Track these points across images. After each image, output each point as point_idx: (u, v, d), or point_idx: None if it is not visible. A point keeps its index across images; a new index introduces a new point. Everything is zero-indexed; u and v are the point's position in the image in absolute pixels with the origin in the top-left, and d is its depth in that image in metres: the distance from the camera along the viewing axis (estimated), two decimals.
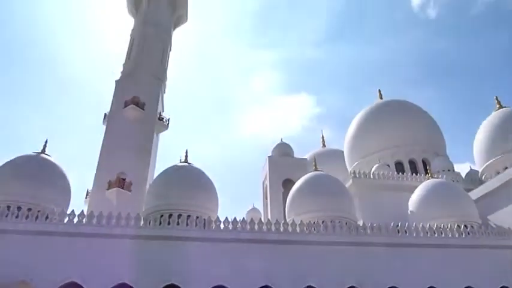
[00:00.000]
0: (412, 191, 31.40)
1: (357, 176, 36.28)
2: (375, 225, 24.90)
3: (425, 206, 29.22)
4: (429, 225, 25.61)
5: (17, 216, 21.68)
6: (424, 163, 42.35)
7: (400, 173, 38.41)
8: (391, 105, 48.09)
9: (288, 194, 31.82)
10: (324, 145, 60.56)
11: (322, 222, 25.25)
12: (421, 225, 25.53)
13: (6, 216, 21.60)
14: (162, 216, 24.22)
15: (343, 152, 49.54)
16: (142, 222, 22.99)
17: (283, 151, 46.50)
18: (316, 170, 32.10)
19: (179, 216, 24.12)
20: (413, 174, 38.40)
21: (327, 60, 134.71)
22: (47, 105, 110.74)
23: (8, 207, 22.90)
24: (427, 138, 44.77)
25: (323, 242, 23.62)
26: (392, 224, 25.17)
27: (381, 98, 51.44)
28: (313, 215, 27.10)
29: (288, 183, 39.12)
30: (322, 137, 62.07)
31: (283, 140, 48.42)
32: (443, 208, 28.24)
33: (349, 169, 44.01)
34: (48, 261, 20.51)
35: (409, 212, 30.21)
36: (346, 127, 49.89)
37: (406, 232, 25.10)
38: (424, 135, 44.75)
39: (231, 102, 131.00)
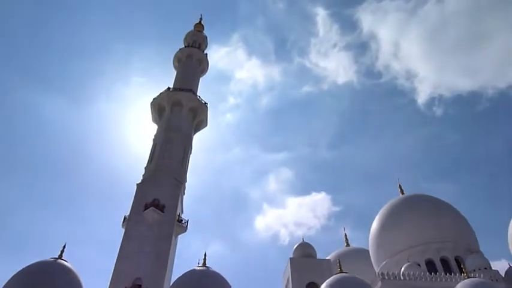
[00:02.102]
0: None
1: (386, 277, 33.90)
2: None
3: None
4: None
5: None
6: (457, 261, 39.59)
7: (433, 273, 35.79)
8: (415, 200, 46.89)
9: None
10: (347, 244, 58.09)
11: None
12: None
13: None
14: None
15: (368, 251, 47.18)
16: None
17: (305, 252, 44.52)
18: (341, 271, 30.24)
19: None
20: (447, 273, 35.71)
21: (340, 160, 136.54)
22: (68, 209, 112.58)
23: None
24: (457, 234, 42.56)
25: None
26: None
27: (402, 193, 50.51)
28: None
29: (312, 287, 36.70)
30: (345, 236, 59.87)
31: (305, 240, 46.72)
32: None
33: (377, 269, 41.40)
34: None
35: None
36: (366, 225, 48.59)
37: None
38: (454, 231, 42.64)
39: (247, 203, 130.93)
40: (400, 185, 51.71)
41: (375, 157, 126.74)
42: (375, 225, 46.83)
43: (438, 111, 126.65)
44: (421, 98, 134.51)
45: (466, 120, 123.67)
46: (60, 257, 28.48)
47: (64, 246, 29.38)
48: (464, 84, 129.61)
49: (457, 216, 45.21)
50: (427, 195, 48.30)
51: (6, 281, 25.80)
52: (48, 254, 28.56)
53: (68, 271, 27.38)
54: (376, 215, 48.23)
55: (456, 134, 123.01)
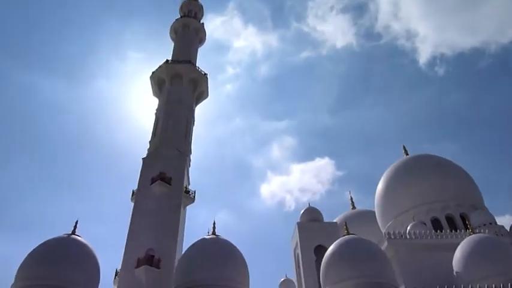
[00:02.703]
0: (453, 249, 29.41)
1: (392, 236, 34.55)
2: None
3: (473, 265, 27.08)
4: (479, 287, 23.56)
5: None
6: (463, 218, 40.17)
7: (438, 231, 36.38)
8: (420, 160, 47.06)
9: (321, 261, 30.38)
10: (353, 207, 58.91)
11: None
12: (470, 287, 23.50)
13: None
14: None
15: (374, 212, 47.88)
16: None
17: (311, 216, 45.28)
18: (348, 233, 30.81)
19: None
20: (452, 230, 36.29)
21: (342, 124, 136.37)
22: (77, 187, 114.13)
23: None
24: (462, 192, 42.94)
25: None
26: None
27: (407, 154, 50.63)
28: (351, 282, 25.51)
29: (320, 250, 37.53)
30: (351, 199, 60.69)
31: (311, 205, 47.40)
32: (493, 266, 26.11)
33: (383, 230, 42.12)
34: None
35: (454, 273, 28.04)
36: (371, 188, 48.96)
37: None
38: (459, 189, 42.99)
39: (251, 172, 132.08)
40: (404, 146, 51.80)
41: (378, 120, 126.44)
42: (380, 186, 47.27)
43: (440, 70, 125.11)
44: (423, 57, 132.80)
45: (469, 78, 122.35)
46: (74, 232, 29.12)
47: (76, 222, 29.98)
48: (466, 41, 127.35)
49: (461, 173, 45.46)
50: (431, 154, 48.45)
51: (24, 257, 26.59)
52: (61, 232, 29.28)
53: (82, 246, 28.07)
54: (380, 177, 48.60)
55: (459, 93, 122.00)
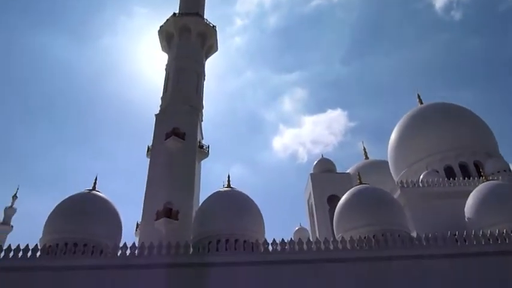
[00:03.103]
0: (465, 196, 29.74)
1: (405, 185, 34.95)
2: (430, 235, 23.68)
3: (484, 211, 27.50)
4: (490, 232, 24.03)
5: (74, 253, 22.61)
6: (477, 166, 40.09)
7: (451, 179, 36.58)
8: (434, 108, 46.36)
9: (334, 210, 31.15)
10: (366, 157, 59.14)
11: (373, 236, 24.39)
12: (481, 233, 24.00)
13: (65, 253, 22.60)
14: (210, 242, 24.35)
15: (387, 162, 48.08)
16: (191, 250, 23.21)
17: (325, 167, 45.84)
18: (361, 183, 31.28)
19: (227, 241, 24.19)
20: (465, 178, 36.42)
21: (354, 74, 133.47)
22: (92, 145, 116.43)
23: (66, 244, 23.94)
24: (476, 139, 42.54)
25: (376, 258, 22.72)
26: (449, 233, 23.82)
27: (421, 102, 49.83)
28: (363, 230, 26.25)
29: (333, 200, 38.35)
30: (364, 149, 60.74)
31: (324, 156, 47.77)
32: (505, 212, 26.45)
33: (396, 179, 42.51)
34: None
35: (466, 219, 28.55)
36: (383, 138, 48.90)
37: (465, 241, 23.64)
38: (474, 136, 42.56)
39: (263, 125, 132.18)
40: (418, 95, 50.86)
41: (391, 68, 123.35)
42: (393, 136, 47.09)
43: (457, 14, 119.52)
44: (438, 2, 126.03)
45: (487, 22, 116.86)
46: (94, 188, 30.25)
47: (96, 179, 31.05)
48: None
49: (476, 121, 44.79)
50: (446, 102, 47.61)
51: (49, 213, 27.93)
52: (81, 188, 30.39)
53: (103, 200, 29.28)
54: (393, 127, 48.30)
55: (476, 38, 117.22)
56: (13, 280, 21.32)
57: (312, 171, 46.17)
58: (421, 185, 35.36)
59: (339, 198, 31.82)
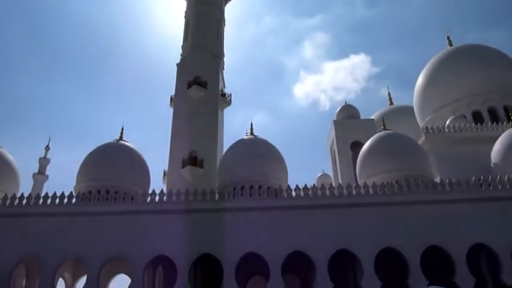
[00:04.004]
0: (493, 142, 29.04)
1: (430, 131, 34.33)
2: (453, 180, 23.60)
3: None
4: None
5: (106, 199, 23.87)
6: (506, 110, 38.64)
7: (479, 124, 35.58)
8: (464, 51, 44.07)
9: (357, 157, 31.22)
10: (391, 103, 57.83)
11: (396, 182, 24.53)
12: (506, 177, 23.71)
13: (98, 200, 23.88)
14: (235, 188, 25.11)
15: (412, 108, 46.94)
16: (217, 196, 24.08)
17: (348, 113, 45.34)
18: (385, 129, 30.98)
19: (251, 187, 24.86)
20: (494, 123, 35.36)
21: (379, 17, 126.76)
22: (115, 96, 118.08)
23: (98, 191, 25.23)
24: (508, 82, 40.56)
25: (399, 202, 22.99)
26: (473, 178, 23.67)
27: (451, 45, 47.41)
28: (386, 175, 26.38)
29: (356, 146, 38.28)
30: (389, 94, 59.17)
31: (347, 102, 47.06)
32: None
33: (421, 125, 41.71)
34: (138, 237, 22.38)
35: (492, 165, 28.14)
36: (409, 84, 47.61)
37: (489, 186, 23.49)
38: (505, 79, 40.50)
39: (284, 72, 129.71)
40: (448, 37, 48.25)
41: (419, 10, 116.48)
42: (420, 80, 45.49)
43: None
44: None
45: None
46: (121, 138, 31.20)
47: (122, 129, 31.94)
48: None
49: (507, 63, 42.43)
50: (477, 44, 45.15)
51: (81, 162, 29.25)
52: (108, 139, 31.42)
53: (131, 150, 30.39)
54: (419, 71, 46.51)
55: None
56: (51, 224, 22.87)
57: (335, 118, 45.79)
58: (447, 130, 34.65)
59: (362, 145, 31.75)
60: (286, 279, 22.45)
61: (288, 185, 25.47)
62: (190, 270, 21.81)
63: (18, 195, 24.45)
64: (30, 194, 24.66)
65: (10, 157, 31.42)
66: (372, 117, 48.35)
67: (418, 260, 21.09)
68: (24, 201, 23.86)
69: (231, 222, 22.63)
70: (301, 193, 23.51)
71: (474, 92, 39.65)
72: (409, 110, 47.68)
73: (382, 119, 33.82)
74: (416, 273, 20.67)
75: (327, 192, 23.59)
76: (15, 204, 23.77)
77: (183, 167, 34.81)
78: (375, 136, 30.52)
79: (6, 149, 32.22)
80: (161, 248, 22.04)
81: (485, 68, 40.45)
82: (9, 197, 24.15)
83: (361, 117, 45.91)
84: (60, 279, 26.54)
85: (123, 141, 31.01)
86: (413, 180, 24.32)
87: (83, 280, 24.22)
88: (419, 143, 31.84)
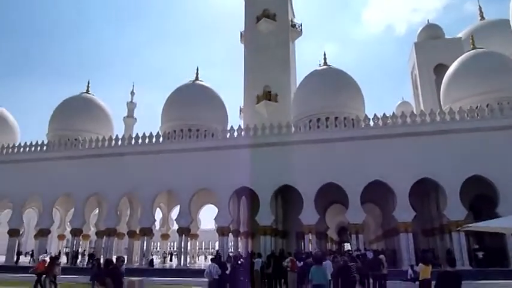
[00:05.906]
0: None
1: None
2: None
3: None
4: None
5: (189, 137, 25.44)
6: None
7: None
8: None
9: (441, 81, 28.94)
10: (482, 18, 51.22)
11: (487, 106, 22.53)
12: None
13: (182, 137, 25.57)
14: (310, 121, 25.09)
15: (508, 21, 41.22)
16: (293, 129, 24.29)
17: (431, 34, 41.32)
18: (474, 48, 27.97)
19: (327, 119, 24.62)
20: None
21: None
22: (189, 40, 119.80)
23: (181, 130, 26.90)
24: None
25: (489, 127, 21.14)
26: None
27: None
28: (475, 99, 24.33)
29: (440, 69, 35.29)
30: (480, 8, 52.26)
31: (430, 22, 42.71)
32: None
33: None
34: (221, 171, 23.78)
35: None
36: None
37: None
38: None
39: None
40: None
41: None
42: None
43: None
44: None
45: None
46: (197, 79, 32.38)
47: (197, 69, 33.02)
48: None
49: None
50: None
51: (163, 103, 31.28)
52: (184, 80, 32.89)
53: (207, 89, 31.84)
54: None
55: None
56: (142, 161, 25.30)
57: (415, 41, 42.14)
58: None
59: (447, 67, 29.23)
60: (366, 208, 22.68)
61: (366, 115, 24.69)
62: (271, 199, 22.99)
63: (114, 136, 27.20)
64: (123, 135, 27.36)
65: (102, 103, 34.55)
66: (458, 36, 43.60)
67: (511, 189, 19.74)
68: (120, 143, 26.54)
69: (308, 154, 22.88)
70: (380, 122, 22.73)
71: None
72: (504, 24, 41.85)
73: (471, 36, 30.31)
74: (509, 203, 19.29)
75: (408, 120, 22.52)
76: (112, 145, 26.57)
77: (258, 102, 35.29)
78: (463, 56, 27.82)
79: (98, 95, 35.35)
80: (243, 180, 23.31)
81: None
82: (106, 139, 26.98)
83: (446, 37, 41.66)
84: (158, 208, 29.75)
85: (199, 81, 32.18)
86: (508, 103, 22.11)
87: (176, 210, 26.97)
88: None
